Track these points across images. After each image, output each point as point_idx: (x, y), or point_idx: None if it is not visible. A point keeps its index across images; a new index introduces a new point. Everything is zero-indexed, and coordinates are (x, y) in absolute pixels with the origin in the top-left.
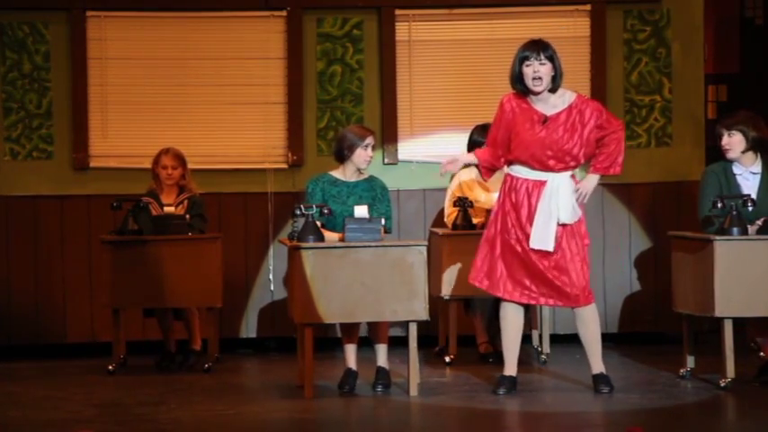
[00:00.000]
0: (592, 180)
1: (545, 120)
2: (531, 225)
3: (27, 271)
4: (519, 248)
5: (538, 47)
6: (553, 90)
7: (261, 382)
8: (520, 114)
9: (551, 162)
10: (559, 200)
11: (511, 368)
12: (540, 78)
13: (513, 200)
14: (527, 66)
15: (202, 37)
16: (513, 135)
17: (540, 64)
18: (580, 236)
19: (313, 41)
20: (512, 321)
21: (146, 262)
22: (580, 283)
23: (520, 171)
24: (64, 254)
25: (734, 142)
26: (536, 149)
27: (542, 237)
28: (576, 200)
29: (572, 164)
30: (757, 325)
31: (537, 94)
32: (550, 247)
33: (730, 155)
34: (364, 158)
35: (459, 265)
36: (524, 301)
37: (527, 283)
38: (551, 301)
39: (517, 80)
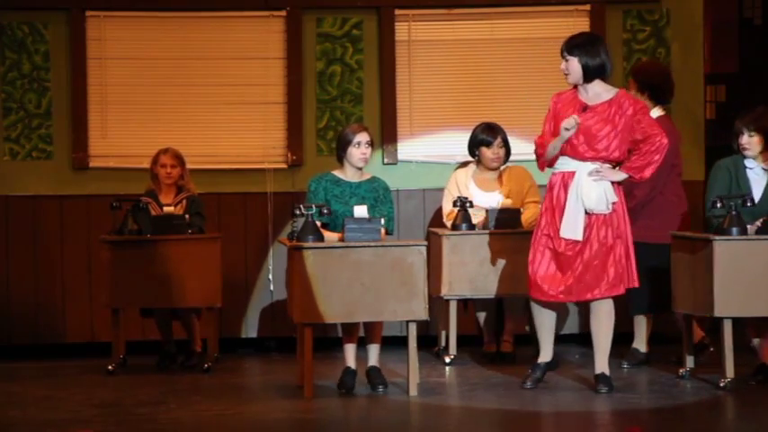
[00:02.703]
0: (616, 172)
1: (585, 108)
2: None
3: (27, 271)
4: (551, 245)
5: (563, 45)
6: (588, 80)
7: (261, 382)
8: (566, 104)
9: (582, 148)
10: (584, 187)
11: (545, 355)
12: (565, 74)
13: (552, 196)
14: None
15: (202, 37)
16: (556, 123)
17: (565, 60)
18: (613, 226)
19: (312, 41)
20: (542, 314)
21: (145, 262)
22: (606, 275)
23: (557, 164)
24: (63, 254)
25: (753, 142)
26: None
27: (571, 226)
28: (592, 171)
29: (603, 153)
30: (755, 326)
31: (572, 85)
32: (579, 236)
33: (748, 153)
34: (357, 156)
35: (458, 265)
36: (551, 300)
37: (555, 282)
38: (573, 298)
39: None
